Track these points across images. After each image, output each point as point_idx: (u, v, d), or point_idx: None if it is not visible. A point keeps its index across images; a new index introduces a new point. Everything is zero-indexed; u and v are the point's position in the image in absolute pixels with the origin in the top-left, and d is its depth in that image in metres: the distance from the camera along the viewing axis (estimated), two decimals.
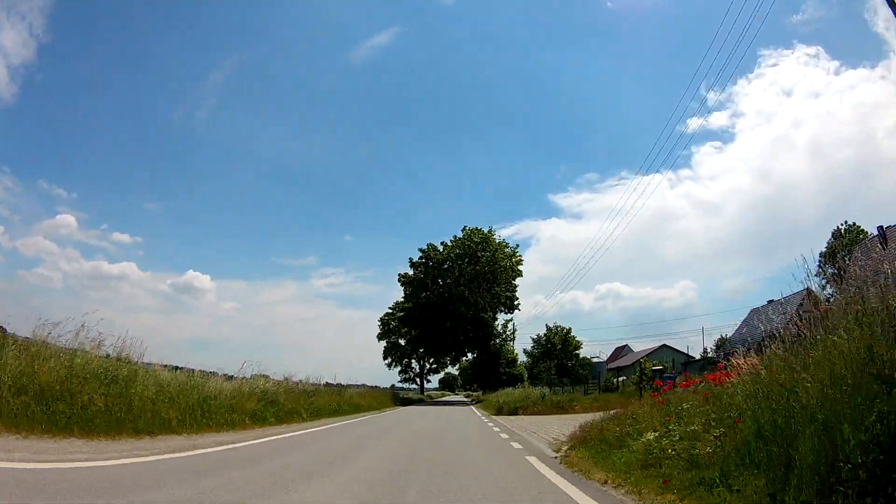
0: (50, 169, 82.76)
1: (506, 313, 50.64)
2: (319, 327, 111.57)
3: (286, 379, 17.70)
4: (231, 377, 14.09)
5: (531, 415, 19.82)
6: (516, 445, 9.25)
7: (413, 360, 62.28)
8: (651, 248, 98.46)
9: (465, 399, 63.39)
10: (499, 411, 22.59)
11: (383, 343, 59.31)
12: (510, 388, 32.56)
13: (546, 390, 24.44)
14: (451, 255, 47.81)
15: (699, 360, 44.95)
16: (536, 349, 62.32)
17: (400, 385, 63.28)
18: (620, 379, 34.90)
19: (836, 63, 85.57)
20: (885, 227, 32.80)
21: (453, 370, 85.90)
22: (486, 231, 47.99)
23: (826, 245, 53.30)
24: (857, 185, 77.01)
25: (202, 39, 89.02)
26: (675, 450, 6.03)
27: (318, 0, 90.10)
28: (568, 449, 8.60)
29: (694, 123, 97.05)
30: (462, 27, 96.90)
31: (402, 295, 50.20)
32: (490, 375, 49.18)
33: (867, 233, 46.10)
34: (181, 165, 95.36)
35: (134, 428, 8.52)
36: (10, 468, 4.93)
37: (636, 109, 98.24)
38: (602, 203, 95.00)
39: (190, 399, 10.48)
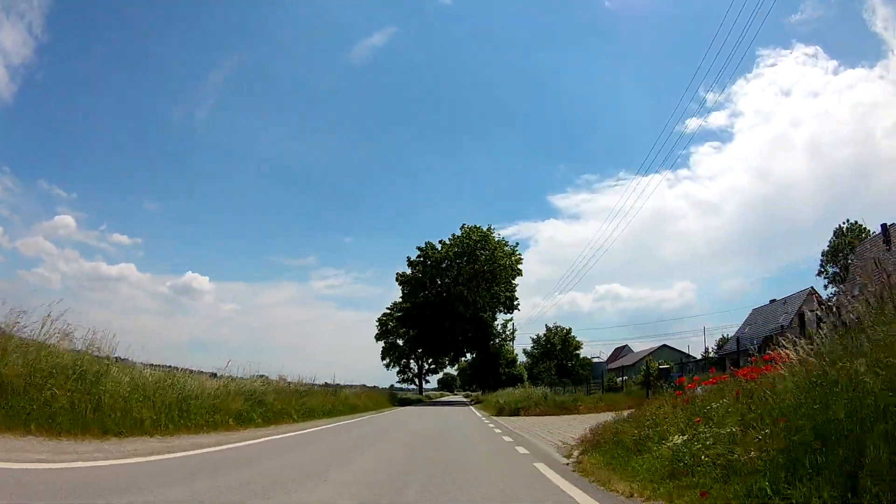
0: (49, 169, 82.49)
1: (505, 313, 49.88)
2: (318, 329, 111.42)
3: (280, 378, 16.91)
4: (215, 375, 13.25)
5: (533, 415, 19.01)
6: (521, 450, 8.44)
7: (411, 361, 61.61)
8: (650, 249, 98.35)
9: (464, 399, 62.70)
10: (499, 412, 21.77)
11: (381, 343, 58.75)
12: (510, 389, 31.78)
13: (548, 390, 23.64)
14: (450, 253, 46.90)
15: (701, 360, 44.27)
16: (536, 349, 61.53)
17: (399, 386, 62.92)
18: (622, 379, 34.11)
19: (835, 63, 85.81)
20: (888, 224, 32.17)
21: (452, 370, 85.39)
22: (484, 229, 47.12)
23: (828, 244, 53.49)
24: (855, 185, 77.29)
25: (202, 39, 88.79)
26: (708, 455, 5.25)
27: (318, 0, 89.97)
28: (580, 454, 7.81)
29: (693, 123, 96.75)
30: (461, 27, 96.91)
31: (400, 295, 49.38)
32: (489, 376, 48.35)
33: (869, 231, 46.13)
34: (181, 165, 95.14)
35: (101, 428, 7.78)
36: None
37: (635, 109, 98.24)
38: (600, 204, 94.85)
39: (167, 398, 9.66)
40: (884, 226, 33.25)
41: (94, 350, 9.53)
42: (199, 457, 6.66)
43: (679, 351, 55.49)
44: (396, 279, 48.53)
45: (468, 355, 55.20)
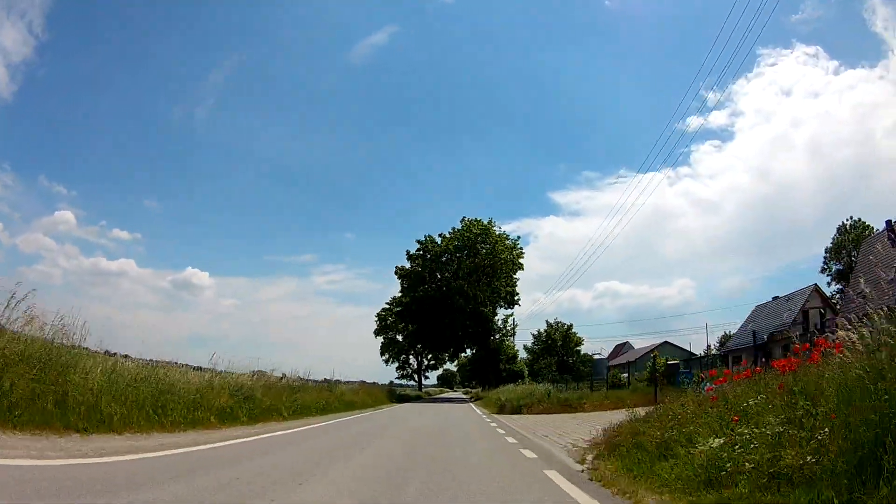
0: (49, 166, 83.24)
1: (505, 308, 48.98)
2: (318, 325, 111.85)
3: (270, 373, 16.12)
4: (200, 369, 12.45)
5: (536, 413, 18.20)
6: (528, 454, 7.62)
7: (411, 356, 60.98)
8: (650, 246, 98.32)
9: (464, 396, 62.04)
10: (500, 409, 20.97)
11: (380, 339, 58.08)
12: (511, 385, 31.03)
13: (550, 387, 22.87)
14: (450, 247, 45.99)
15: (703, 356, 43.55)
16: (537, 345, 60.83)
17: (398, 382, 62.33)
18: (626, 375, 33.38)
19: (836, 63, 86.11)
20: (893, 221, 31.43)
21: (451, 366, 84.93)
22: (485, 222, 46.21)
23: (831, 241, 53.03)
24: (855, 185, 76.79)
25: (202, 39, 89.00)
26: (751, 461, 4.46)
27: (319, 1, 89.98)
28: (594, 459, 7.01)
29: (693, 122, 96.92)
30: (462, 27, 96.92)
31: (399, 289, 48.51)
32: (490, 372, 47.54)
33: (872, 228, 45.83)
34: (181, 165, 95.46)
35: (64, 423, 7.07)
36: None
37: (635, 109, 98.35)
38: (601, 201, 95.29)
39: (140, 393, 8.86)
40: (888, 222, 32.60)
41: (63, 338, 8.78)
42: (152, 462, 5.83)
43: (680, 348, 54.80)
44: (395, 272, 47.69)
45: (468, 351, 54.48)
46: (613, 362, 68.44)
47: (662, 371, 24.19)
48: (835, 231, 52.80)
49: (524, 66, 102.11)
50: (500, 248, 45.66)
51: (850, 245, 50.12)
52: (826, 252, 53.56)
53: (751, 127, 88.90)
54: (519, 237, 49.11)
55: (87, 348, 9.44)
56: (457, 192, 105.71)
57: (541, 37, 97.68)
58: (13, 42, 67.99)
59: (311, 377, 21.45)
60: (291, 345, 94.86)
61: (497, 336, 49.07)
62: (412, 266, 46.86)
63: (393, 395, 36.44)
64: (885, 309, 4.81)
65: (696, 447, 5.58)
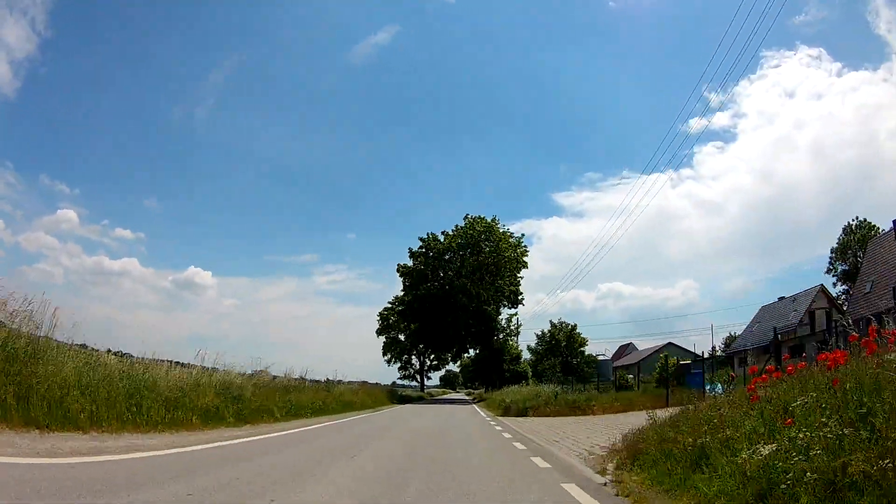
0: (52, 164, 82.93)
1: (509, 308, 48.00)
2: (319, 325, 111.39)
3: (264, 371, 15.39)
4: (182, 364, 11.68)
5: (543, 416, 17.36)
6: (540, 462, 6.80)
7: (413, 357, 60.16)
8: (653, 247, 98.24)
9: (466, 397, 61.20)
10: (505, 412, 20.11)
11: (382, 339, 57.26)
12: (515, 386, 30.18)
13: (557, 388, 22.02)
14: (453, 244, 45.02)
15: (709, 358, 42.60)
16: (541, 346, 59.94)
17: (401, 383, 61.58)
18: (633, 376, 32.48)
19: (839, 65, 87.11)
20: None
21: (454, 367, 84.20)
22: (489, 220, 45.23)
23: (837, 241, 52.61)
24: (859, 187, 76.71)
25: (202, 39, 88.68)
26: (813, 469, 3.70)
27: (319, 1, 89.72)
28: (616, 468, 6.21)
29: (696, 123, 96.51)
30: (462, 27, 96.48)
31: (401, 287, 47.60)
32: (493, 372, 46.64)
33: (878, 228, 45.42)
34: (181, 164, 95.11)
35: (25, 419, 6.47)
36: None
37: (635, 109, 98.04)
38: (604, 202, 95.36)
39: (113, 389, 8.12)
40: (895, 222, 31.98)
41: (31, 327, 8.09)
42: (102, 467, 5.06)
43: (684, 349, 54.02)
44: (397, 270, 46.69)
45: (471, 351, 53.56)
46: (618, 363, 67.70)
47: (672, 372, 23.32)
48: (839, 232, 52.60)
49: (524, 66, 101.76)
50: (504, 245, 44.73)
51: (855, 245, 49.82)
52: (832, 252, 53.09)
53: (754, 128, 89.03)
54: (523, 234, 48.19)
55: (62, 341, 8.77)
56: (457, 192, 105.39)
57: (541, 37, 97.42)
58: (16, 39, 67.90)
59: (309, 377, 20.77)
60: (292, 345, 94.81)
61: (501, 336, 48.15)
62: (414, 264, 45.93)
63: (394, 395, 35.64)
64: None
65: (740, 455, 4.80)
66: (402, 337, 55.31)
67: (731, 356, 48.30)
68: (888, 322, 5.32)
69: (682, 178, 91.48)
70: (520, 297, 47.00)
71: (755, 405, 6.10)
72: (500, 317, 47.65)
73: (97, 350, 10.60)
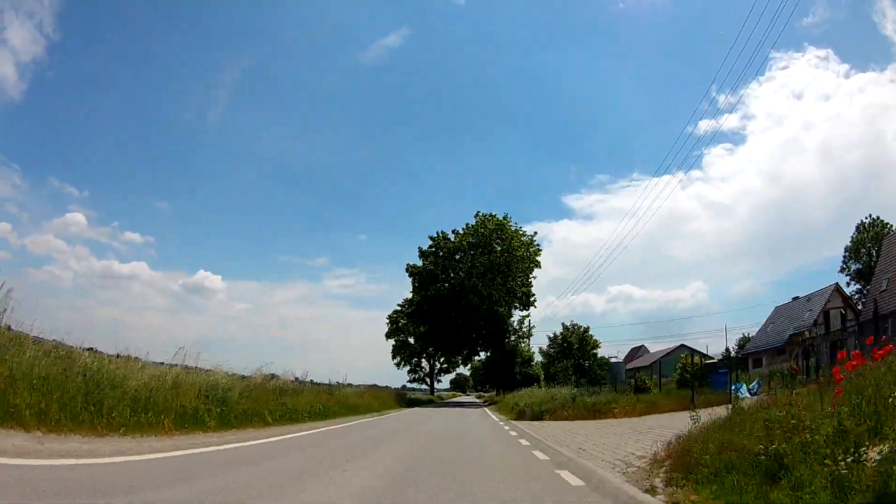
0: (59, 167, 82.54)
1: (521, 309, 46.45)
2: (330, 328, 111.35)
3: (256, 371, 14.24)
4: (165, 364, 10.55)
5: (560, 420, 16.03)
6: (569, 478, 5.51)
7: (423, 360, 58.98)
8: (662, 249, 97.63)
9: (477, 400, 59.89)
10: (520, 415, 18.78)
11: (392, 341, 56.15)
12: (528, 389, 28.86)
13: (574, 391, 20.67)
14: (464, 243, 43.57)
15: (723, 359, 41.07)
16: (553, 348, 58.55)
17: (411, 386, 60.54)
18: (656, 377, 30.98)
19: (846, 66, 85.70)
20: None
21: (464, 370, 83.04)
22: (500, 218, 43.74)
23: (850, 239, 51.50)
24: (866, 187, 75.94)
25: (205, 40, 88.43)
26: None
27: (321, 1, 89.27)
28: (666, 484, 4.95)
29: (705, 125, 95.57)
30: (464, 27, 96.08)
31: (410, 288, 46.23)
32: (504, 375, 45.10)
33: (891, 226, 45.01)
34: (185, 165, 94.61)
35: None
36: None
37: (636, 110, 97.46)
38: (613, 204, 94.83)
39: (70, 385, 7.02)
40: None
41: None
42: None
43: (697, 351, 52.61)
44: (407, 270, 45.23)
45: (482, 354, 52.20)
46: (630, 366, 66.38)
47: (694, 372, 21.90)
48: (848, 231, 52.15)
49: (526, 66, 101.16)
50: (517, 244, 43.19)
51: (869, 243, 48.74)
52: (845, 251, 51.92)
53: (762, 130, 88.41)
54: (535, 232, 46.60)
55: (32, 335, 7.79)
56: (459, 193, 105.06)
57: (542, 37, 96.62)
58: (22, 41, 68.08)
59: (313, 379, 19.69)
60: (302, 348, 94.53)
61: (513, 338, 46.66)
62: (424, 263, 44.50)
63: (402, 398, 34.37)
64: None
65: (835, 462, 3.60)
66: (411, 340, 54.20)
67: (745, 357, 46.86)
68: None
69: (691, 180, 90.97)
70: (532, 299, 45.52)
71: (838, 399, 4.88)
72: (512, 319, 46.24)
73: (69, 346, 9.50)
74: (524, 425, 14.97)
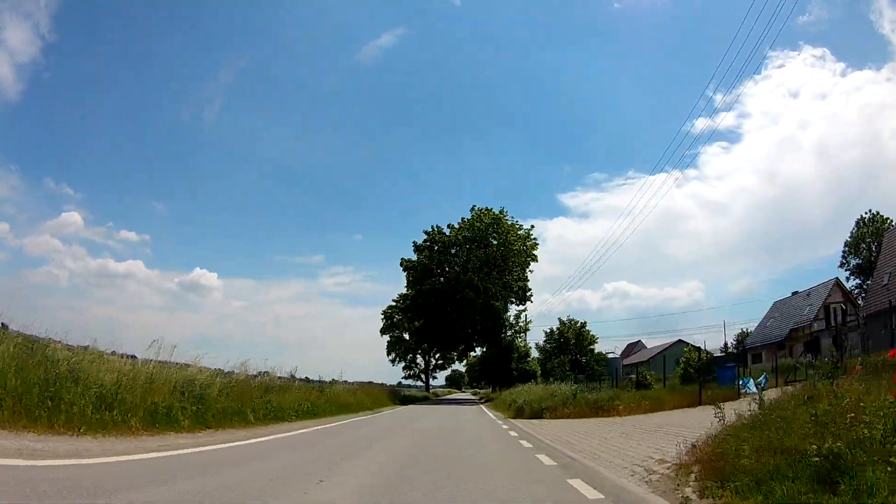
0: (56, 167, 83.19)
1: (517, 304, 45.69)
2: (325, 326, 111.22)
3: (244, 363, 13.50)
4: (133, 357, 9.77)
5: (561, 418, 15.30)
6: (584, 489, 4.72)
7: (417, 356, 58.23)
8: (658, 248, 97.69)
9: (473, 397, 59.25)
10: (518, 413, 18.05)
11: (387, 337, 55.31)
12: (525, 385, 28.15)
13: (575, 387, 19.98)
14: (459, 237, 42.78)
15: (722, 355, 40.63)
16: (549, 344, 57.95)
17: (406, 383, 59.83)
18: (648, 374, 30.32)
19: (843, 65, 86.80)
20: None
21: (460, 367, 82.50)
22: (496, 212, 42.92)
23: (850, 234, 51.51)
24: (863, 186, 76.58)
25: (206, 40, 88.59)
26: None
27: (321, 1, 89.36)
28: (698, 493, 4.23)
29: (701, 124, 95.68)
30: (463, 27, 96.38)
31: (405, 283, 45.40)
32: (501, 371, 44.37)
33: (890, 221, 44.46)
34: (185, 165, 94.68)
35: None
36: None
37: (635, 109, 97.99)
38: (609, 202, 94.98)
39: (28, 376, 6.29)
40: None
41: None
42: None
43: (695, 347, 52.29)
44: (401, 265, 44.34)
45: (477, 350, 51.47)
46: (627, 361, 66.11)
47: (698, 367, 21.24)
48: (845, 230, 53.23)
49: (525, 66, 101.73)
50: (513, 237, 42.39)
51: (869, 238, 48.81)
52: (845, 246, 51.89)
53: (758, 129, 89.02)
54: (532, 226, 45.63)
55: None
56: (458, 192, 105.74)
57: (541, 37, 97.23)
58: (19, 42, 67.44)
59: (303, 376, 18.98)
60: (297, 346, 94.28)
61: (509, 333, 45.92)
62: (419, 258, 43.65)
63: (396, 395, 33.64)
64: None
65: None
66: (406, 336, 53.43)
67: (745, 352, 46.57)
68: None
69: (687, 179, 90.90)
70: (528, 294, 44.78)
71: None
72: (508, 314, 45.51)
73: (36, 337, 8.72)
74: (524, 424, 14.26)
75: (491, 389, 50.60)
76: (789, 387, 11.57)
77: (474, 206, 43.87)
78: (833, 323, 35.48)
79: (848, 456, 3.71)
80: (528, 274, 44.61)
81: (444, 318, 41.22)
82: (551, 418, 15.61)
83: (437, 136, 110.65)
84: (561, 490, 4.76)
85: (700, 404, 15.36)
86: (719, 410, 6.31)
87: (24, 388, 6.30)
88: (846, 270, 50.96)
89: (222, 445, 7.31)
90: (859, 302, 40.64)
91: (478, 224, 42.49)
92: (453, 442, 9.66)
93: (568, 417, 15.35)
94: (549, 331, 58.78)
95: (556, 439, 9.43)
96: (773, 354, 39.00)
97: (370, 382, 33.07)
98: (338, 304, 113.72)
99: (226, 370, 12.74)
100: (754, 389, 17.64)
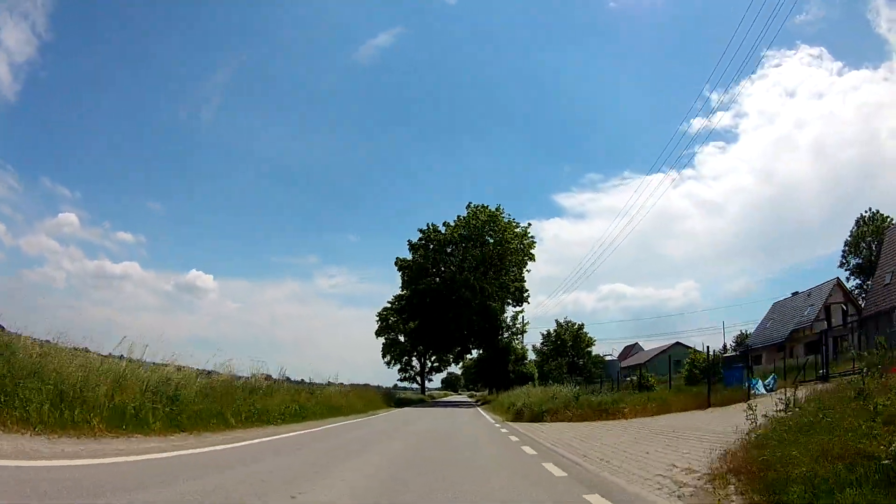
0: (52, 167, 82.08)
1: (514, 305, 44.80)
2: (320, 327, 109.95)
3: (229, 362, 12.75)
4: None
5: (564, 421, 14.56)
6: None
7: (413, 358, 57.42)
8: (654, 248, 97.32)
9: (469, 399, 58.42)
10: (517, 416, 17.29)
11: (382, 339, 54.52)
12: (523, 388, 27.45)
13: (577, 389, 19.25)
14: (455, 235, 41.91)
15: (735, 354, 40.09)
16: (546, 346, 57.27)
17: (402, 385, 59.14)
18: (650, 375, 29.65)
19: (840, 64, 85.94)
20: None
21: (456, 369, 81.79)
22: (493, 209, 42.07)
23: (850, 234, 51.03)
24: (860, 186, 76.28)
25: (203, 40, 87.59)
26: None
27: (319, 1, 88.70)
28: None
29: (697, 123, 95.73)
30: (462, 27, 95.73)
31: (400, 282, 44.50)
32: (498, 373, 43.50)
33: (891, 219, 43.92)
34: (181, 165, 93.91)
35: None
36: None
37: (635, 109, 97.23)
38: (605, 203, 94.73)
39: None
40: None
41: None
42: None
43: (693, 349, 51.89)
44: (396, 264, 43.39)
45: (474, 352, 50.70)
46: (624, 363, 65.60)
47: (704, 367, 20.59)
48: (843, 229, 52.87)
49: (524, 66, 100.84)
50: (510, 235, 41.56)
51: (869, 237, 48.40)
52: (845, 245, 51.48)
53: (755, 128, 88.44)
54: (530, 224, 44.76)
55: None
56: (457, 193, 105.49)
57: (541, 37, 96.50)
58: (16, 42, 66.72)
59: (294, 377, 18.21)
60: (293, 347, 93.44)
61: (506, 335, 45.10)
62: (414, 257, 42.72)
63: (391, 398, 32.79)
64: None
65: None
66: (402, 338, 52.68)
67: (745, 353, 46.03)
68: None
69: (683, 179, 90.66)
70: (525, 294, 43.93)
71: None
72: (505, 315, 44.69)
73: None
74: (524, 428, 13.54)
75: (487, 392, 49.85)
76: (801, 387, 10.99)
77: (470, 203, 43.10)
78: (834, 324, 35.08)
79: None
80: (526, 274, 43.92)
81: (439, 319, 40.38)
82: (552, 421, 14.88)
83: (434, 135, 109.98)
84: None
85: (709, 406, 14.74)
86: (751, 412, 5.62)
87: None
88: (846, 270, 50.57)
89: (191, 451, 6.56)
90: (860, 302, 40.17)
91: (474, 222, 41.69)
92: (450, 445, 8.92)
93: (570, 420, 14.63)
94: (545, 333, 58.35)
95: (562, 444, 8.67)
96: (774, 356, 38.48)
97: (366, 385, 32.25)
98: (333, 304, 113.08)
99: (209, 370, 12.06)
100: (763, 391, 17.02)
